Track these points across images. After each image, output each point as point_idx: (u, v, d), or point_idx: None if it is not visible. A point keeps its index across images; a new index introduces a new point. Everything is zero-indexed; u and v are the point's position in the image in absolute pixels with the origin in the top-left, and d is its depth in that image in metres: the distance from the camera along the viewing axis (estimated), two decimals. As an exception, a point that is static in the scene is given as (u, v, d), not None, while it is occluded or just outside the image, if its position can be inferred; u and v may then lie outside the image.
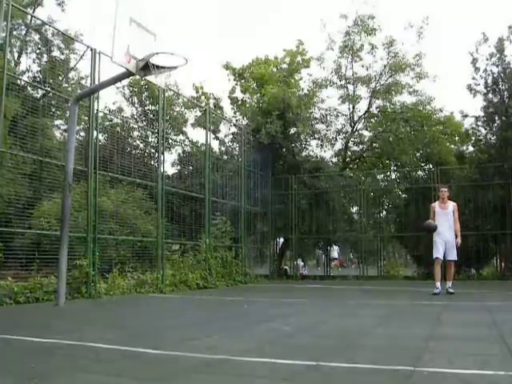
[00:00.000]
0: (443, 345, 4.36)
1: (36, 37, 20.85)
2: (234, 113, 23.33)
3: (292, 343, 4.56)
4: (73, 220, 9.57)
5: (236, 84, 23.75)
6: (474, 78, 17.43)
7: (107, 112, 14.91)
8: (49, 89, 11.33)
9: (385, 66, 21.20)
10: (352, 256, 28.85)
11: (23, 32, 20.65)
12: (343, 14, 21.00)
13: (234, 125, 20.71)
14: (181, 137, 20.33)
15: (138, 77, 9.56)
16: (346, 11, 21.13)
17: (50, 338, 4.75)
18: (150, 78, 8.70)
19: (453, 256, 10.73)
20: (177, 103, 20.76)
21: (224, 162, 17.63)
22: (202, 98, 23.44)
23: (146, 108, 19.14)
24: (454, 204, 11.02)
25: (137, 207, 12.53)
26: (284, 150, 19.00)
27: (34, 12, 21.73)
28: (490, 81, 17.05)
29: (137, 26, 8.06)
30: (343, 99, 21.85)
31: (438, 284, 10.51)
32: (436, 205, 11.12)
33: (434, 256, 10.78)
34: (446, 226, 10.78)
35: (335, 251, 19.86)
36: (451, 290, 10.39)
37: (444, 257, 10.83)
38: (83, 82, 18.11)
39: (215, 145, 20.55)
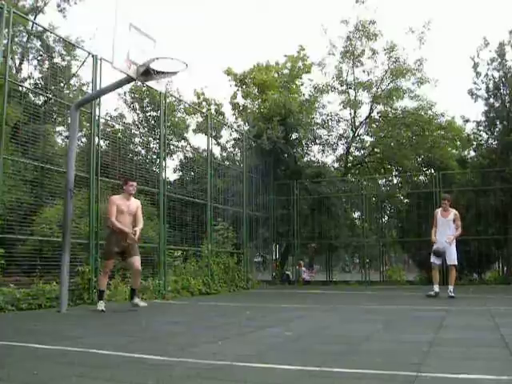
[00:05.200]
0: (446, 350, 4.35)
1: (37, 43, 20.94)
2: (236, 118, 23.44)
3: (294, 349, 4.55)
4: (74, 226, 9.57)
5: (237, 90, 23.85)
6: (475, 83, 17.48)
7: (109, 118, 14.93)
8: (50, 95, 11.35)
9: (386, 71, 21.26)
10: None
11: (25, 39, 20.73)
12: (344, 19, 21.11)
13: (236, 130, 20.77)
14: (182, 143, 20.40)
15: (139, 83, 9.57)
16: (347, 16, 21.25)
17: (53, 344, 4.75)
18: (151, 83, 8.73)
19: (453, 261, 10.97)
20: (178, 109, 20.82)
21: (226, 168, 17.64)
22: (204, 103, 23.55)
23: (148, 114, 19.19)
24: (456, 212, 11.28)
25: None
26: (285, 155, 19.02)
27: (35, 19, 21.87)
28: (491, 85, 17.08)
29: (137, 32, 8.08)
30: (344, 104, 21.92)
31: (435, 287, 10.88)
32: (438, 212, 11.42)
33: (431, 261, 11.21)
34: (446, 233, 11.07)
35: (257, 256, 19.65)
36: (452, 294, 10.53)
37: (444, 261, 11.20)
38: (84, 88, 18.19)
39: (217, 150, 20.67)
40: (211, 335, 5.45)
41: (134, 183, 8.66)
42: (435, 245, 11.10)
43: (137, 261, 8.30)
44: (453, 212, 11.23)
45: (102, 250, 8.48)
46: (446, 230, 11.05)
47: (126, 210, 8.36)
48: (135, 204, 8.55)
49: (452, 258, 10.94)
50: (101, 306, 8.02)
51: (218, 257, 14.11)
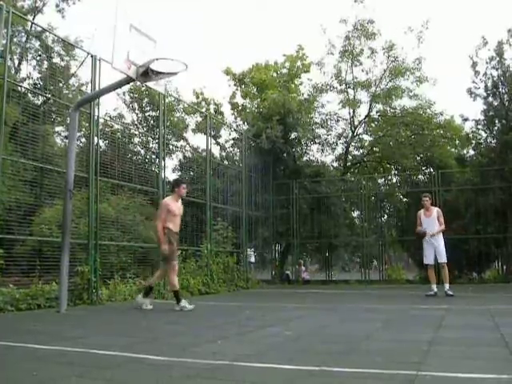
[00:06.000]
0: (446, 349, 4.35)
1: (36, 43, 20.92)
2: (235, 118, 23.41)
3: (294, 348, 4.55)
4: (74, 226, 9.56)
5: (236, 89, 23.83)
6: (473, 82, 17.49)
7: (108, 118, 14.92)
8: (49, 95, 11.34)
9: (385, 71, 21.25)
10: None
11: (23, 39, 20.71)
12: (343, 18, 21.08)
13: (235, 130, 20.75)
14: (181, 142, 20.36)
15: (138, 83, 9.56)
16: (345, 16, 21.21)
17: (52, 344, 4.75)
18: (151, 83, 8.72)
19: (443, 258, 11.12)
20: (177, 109, 20.79)
21: (225, 168, 17.63)
22: (203, 103, 23.50)
23: (147, 114, 19.14)
24: (438, 210, 11.53)
25: (138, 213, 12.51)
26: (285, 154, 19.01)
27: (34, 19, 21.82)
28: (489, 84, 17.08)
29: (137, 33, 8.08)
30: (343, 104, 21.91)
31: (433, 287, 10.96)
32: (421, 212, 11.51)
33: (425, 263, 11.43)
34: (432, 231, 11.19)
35: (252, 256, 19.33)
36: (450, 293, 10.62)
37: (436, 260, 11.24)
38: (83, 88, 18.18)
39: (216, 150, 20.61)
40: (211, 335, 5.46)
41: (186, 186, 9.03)
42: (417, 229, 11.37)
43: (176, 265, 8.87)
44: (435, 210, 11.44)
45: (165, 254, 8.45)
46: (431, 227, 11.18)
47: (178, 212, 8.66)
48: (181, 205, 8.91)
49: (442, 256, 11.04)
50: (186, 304, 8.34)
51: (218, 256, 14.09)
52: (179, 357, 4.07)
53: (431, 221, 11.20)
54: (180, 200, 8.85)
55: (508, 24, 19.79)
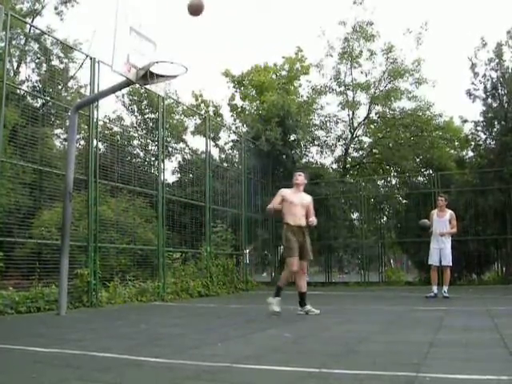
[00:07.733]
0: (445, 350, 4.35)
1: (35, 46, 20.89)
2: (234, 120, 23.39)
3: (294, 350, 4.55)
4: (73, 229, 9.55)
5: (235, 91, 23.82)
6: (473, 83, 17.48)
7: (107, 121, 14.91)
8: (48, 98, 11.34)
9: (384, 72, 21.28)
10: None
11: (22, 41, 20.68)
12: (342, 20, 21.13)
13: (234, 132, 20.75)
14: (181, 145, 20.36)
15: (137, 85, 9.57)
16: (344, 18, 21.26)
17: (52, 347, 4.74)
18: (150, 86, 8.72)
19: (447, 262, 11.07)
20: (176, 111, 20.79)
21: (224, 170, 17.61)
22: (202, 105, 23.49)
23: (146, 116, 19.13)
24: (452, 212, 11.37)
25: (137, 216, 12.51)
26: (284, 156, 18.98)
27: (32, 21, 21.78)
28: (489, 86, 17.08)
29: (136, 35, 8.09)
30: (343, 105, 21.94)
31: (434, 288, 10.96)
32: (434, 212, 11.50)
33: (429, 263, 11.32)
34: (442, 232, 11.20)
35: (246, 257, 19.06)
36: (446, 295, 10.68)
37: (440, 262, 11.17)
38: (82, 90, 18.17)
39: (215, 152, 20.60)
40: (211, 337, 5.45)
41: (299, 173, 8.30)
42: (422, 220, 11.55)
43: (306, 265, 8.06)
44: (449, 212, 11.33)
45: (284, 251, 8.09)
46: (442, 229, 11.14)
47: (297, 201, 8.03)
48: (307, 198, 8.30)
49: (447, 259, 11.00)
50: (276, 306, 7.74)
51: (217, 259, 14.09)
52: (179, 359, 4.07)
53: (443, 223, 11.15)
54: (303, 192, 8.29)
55: (507, 25, 19.79)
